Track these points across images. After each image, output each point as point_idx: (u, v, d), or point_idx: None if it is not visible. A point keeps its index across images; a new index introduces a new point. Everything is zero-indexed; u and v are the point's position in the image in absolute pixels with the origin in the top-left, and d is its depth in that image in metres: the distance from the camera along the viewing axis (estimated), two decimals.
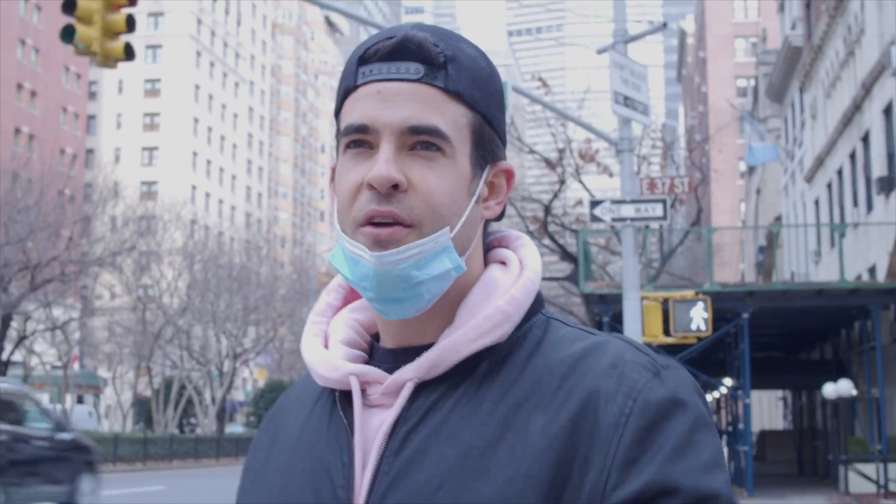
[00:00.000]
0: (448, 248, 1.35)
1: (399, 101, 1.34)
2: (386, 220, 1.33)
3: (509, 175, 1.46)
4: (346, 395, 1.41)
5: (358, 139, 1.36)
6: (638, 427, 1.26)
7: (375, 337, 1.48)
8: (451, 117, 1.35)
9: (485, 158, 1.41)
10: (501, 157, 1.44)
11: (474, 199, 1.39)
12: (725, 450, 37.12)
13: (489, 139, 1.41)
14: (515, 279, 1.42)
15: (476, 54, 1.40)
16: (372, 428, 1.36)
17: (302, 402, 1.50)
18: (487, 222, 1.46)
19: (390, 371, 1.38)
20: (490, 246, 1.49)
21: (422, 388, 1.36)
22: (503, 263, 1.46)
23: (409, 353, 1.38)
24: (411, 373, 1.36)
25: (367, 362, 1.44)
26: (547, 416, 1.29)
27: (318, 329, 1.50)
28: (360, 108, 1.35)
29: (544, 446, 1.27)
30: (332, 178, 1.44)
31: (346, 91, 1.39)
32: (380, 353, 1.44)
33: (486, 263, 1.46)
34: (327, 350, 1.46)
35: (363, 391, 1.39)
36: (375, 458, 1.33)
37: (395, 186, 1.32)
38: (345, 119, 1.38)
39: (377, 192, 1.32)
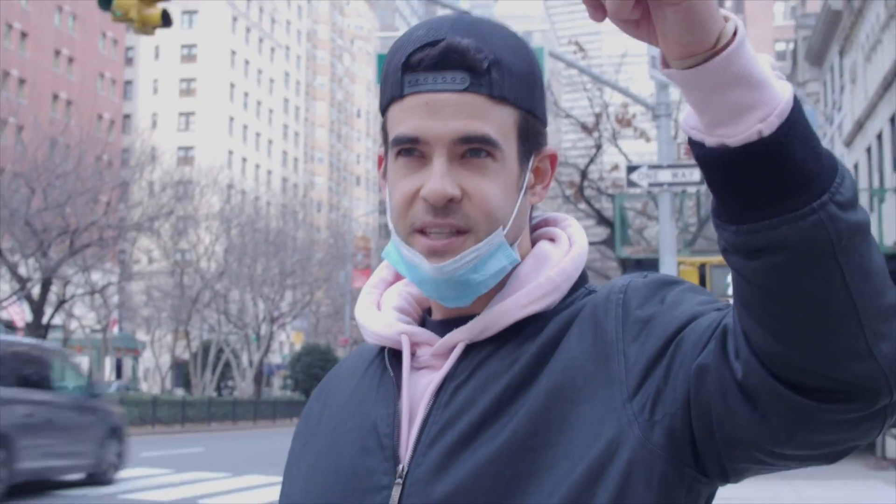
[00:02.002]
0: (503, 245, 1.41)
1: (448, 111, 1.37)
2: (442, 230, 1.39)
3: (553, 158, 1.51)
4: (397, 356, 1.48)
5: (409, 148, 1.40)
6: (635, 302, 1.36)
7: (427, 311, 1.55)
8: (498, 122, 1.39)
9: (530, 150, 1.46)
10: (544, 143, 1.49)
11: (522, 192, 1.44)
12: None
13: (534, 131, 1.45)
14: (566, 253, 1.49)
15: (516, 45, 1.44)
16: (420, 387, 1.43)
17: (353, 370, 1.57)
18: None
19: None
20: (537, 225, 1.56)
21: (470, 348, 1.42)
22: (552, 240, 1.52)
23: (458, 324, 1.44)
24: (462, 334, 1.42)
25: None
26: (566, 344, 1.38)
27: (372, 298, 1.57)
28: (410, 119, 1.39)
29: (563, 368, 1.36)
30: (380, 167, 1.50)
31: (391, 97, 1.42)
32: (430, 324, 1.51)
33: (534, 240, 1.53)
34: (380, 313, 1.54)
35: (413, 354, 1.46)
36: (424, 411, 1.40)
37: (450, 199, 1.37)
38: (393, 128, 1.42)
39: (433, 205, 1.38)
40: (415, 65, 1.39)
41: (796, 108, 1.12)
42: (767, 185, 1.11)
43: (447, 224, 1.38)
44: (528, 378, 1.37)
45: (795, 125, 1.11)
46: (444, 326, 1.47)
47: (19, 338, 22.22)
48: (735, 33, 1.09)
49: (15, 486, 15.51)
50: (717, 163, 1.13)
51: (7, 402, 15.16)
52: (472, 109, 1.37)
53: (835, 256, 1.11)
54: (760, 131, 1.09)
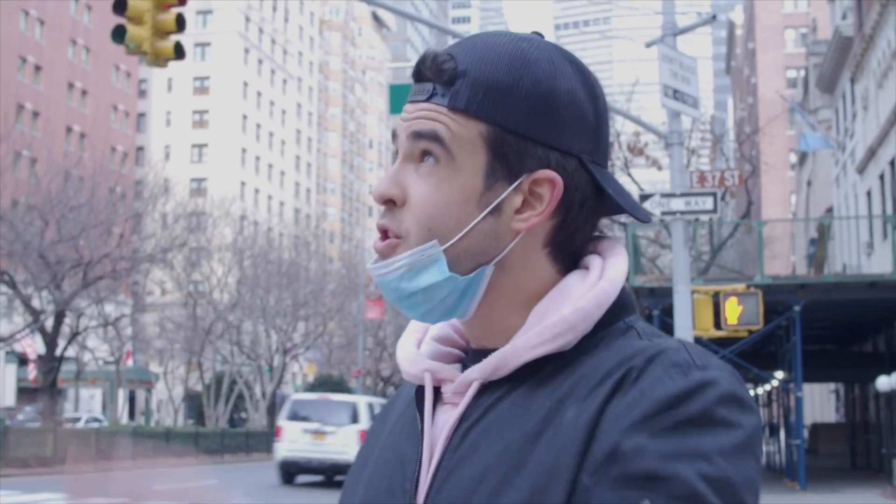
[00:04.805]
0: (439, 261, 1.37)
1: (413, 115, 1.42)
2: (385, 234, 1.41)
3: (553, 183, 1.39)
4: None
5: (396, 150, 1.45)
6: (643, 412, 1.24)
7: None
8: (455, 129, 1.37)
9: (511, 170, 1.38)
10: (543, 166, 1.39)
11: (486, 210, 1.37)
12: (780, 442, 36.80)
13: (517, 149, 1.38)
14: (589, 288, 1.39)
15: (507, 60, 1.38)
16: (440, 424, 1.41)
17: (409, 393, 1.54)
18: (573, 233, 1.43)
19: None
20: (590, 251, 1.47)
21: (487, 387, 1.38)
22: (587, 269, 1.43)
23: (485, 355, 1.40)
24: (477, 373, 1.38)
25: (461, 360, 1.48)
26: (580, 408, 1.28)
27: (418, 326, 1.54)
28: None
29: (572, 437, 1.27)
30: None
31: None
32: (470, 352, 1.48)
33: (582, 265, 1.45)
34: (420, 346, 1.51)
35: (440, 388, 1.44)
36: (439, 454, 1.38)
37: (393, 201, 1.39)
38: None
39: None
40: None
41: None
42: None
43: (382, 226, 1.40)
44: (534, 436, 1.30)
45: None
46: (476, 356, 1.43)
47: None
48: None
49: None
50: None
51: None
52: (428, 115, 1.39)
53: None
54: None
